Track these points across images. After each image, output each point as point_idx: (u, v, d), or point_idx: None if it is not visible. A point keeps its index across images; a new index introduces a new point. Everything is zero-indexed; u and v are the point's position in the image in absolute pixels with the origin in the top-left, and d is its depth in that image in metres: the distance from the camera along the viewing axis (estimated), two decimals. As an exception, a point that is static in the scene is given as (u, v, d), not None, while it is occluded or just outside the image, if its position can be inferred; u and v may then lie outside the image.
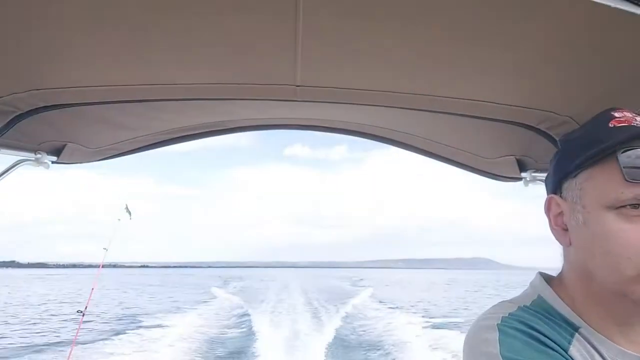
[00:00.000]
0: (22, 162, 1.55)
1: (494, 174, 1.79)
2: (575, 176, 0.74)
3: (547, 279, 0.82)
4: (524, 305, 0.77)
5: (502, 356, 0.67)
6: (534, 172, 1.65)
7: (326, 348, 11.79)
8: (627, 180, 0.66)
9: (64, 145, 1.63)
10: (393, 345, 12.07)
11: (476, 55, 1.09)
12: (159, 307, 23.68)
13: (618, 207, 0.68)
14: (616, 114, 0.73)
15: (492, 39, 1.01)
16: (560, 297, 0.77)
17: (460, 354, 0.76)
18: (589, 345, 0.72)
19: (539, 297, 0.79)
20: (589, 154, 0.71)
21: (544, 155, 1.58)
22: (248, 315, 16.95)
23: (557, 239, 0.79)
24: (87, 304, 5.20)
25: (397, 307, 21.17)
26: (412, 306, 23.26)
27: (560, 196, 0.77)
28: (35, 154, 1.55)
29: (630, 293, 0.69)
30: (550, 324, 0.73)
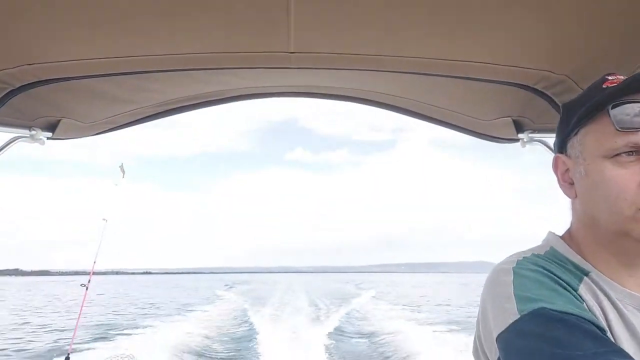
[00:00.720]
0: (17, 139, 1.54)
1: (490, 136, 1.79)
2: (576, 134, 0.81)
3: (558, 235, 0.88)
4: (537, 254, 0.83)
5: (515, 295, 0.72)
6: (531, 132, 1.65)
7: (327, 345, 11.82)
8: (618, 130, 0.73)
9: (59, 121, 1.62)
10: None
11: (470, 16, 1.09)
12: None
13: (614, 156, 0.74)
14: (610, 77, 0.79)
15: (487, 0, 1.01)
16: (570, 247, 0.83)
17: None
18: (596, 288, 0.77)
19: (551, 248, 0.85)
20: (583, 111, 0.78)
21: (540, 116, 1.58)
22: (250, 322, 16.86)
23: (565, 193, 0.85)
24: (90, 277, 5.17)
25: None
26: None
27: (566, 154, 0.84)
28: (30, 130, 1.54)
29: (630, 230, 0.74)
30: (561, 269, 0.78)
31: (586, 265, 0.80)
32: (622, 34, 1.08)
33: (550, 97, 1.40)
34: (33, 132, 1.55)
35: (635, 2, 0.94)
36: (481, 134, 1.80)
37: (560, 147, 0.86)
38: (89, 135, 1.79)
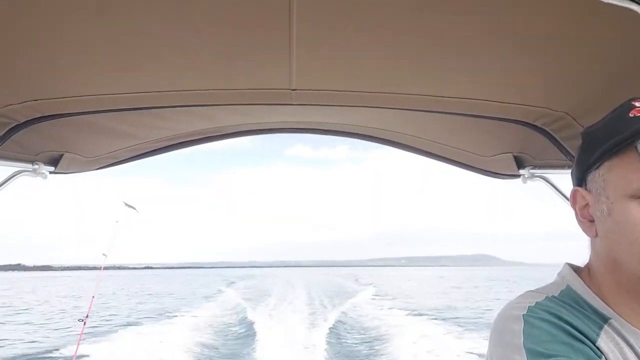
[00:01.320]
0: (19, 172, 1.55)
1: (492, 172, 1.79)
2: (597, 167, 0.74)
3: (575, 269, 0.82)
4: (552, 296, 0.77)
5: (525, 348, 0.66)
6: (532, 168, 1.65)
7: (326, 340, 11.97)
8: None
9: (62, 155, 1.63)
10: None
11: (470, 55, 1.09)
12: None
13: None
14: (637, 104, 0.72)
15: (485, 38, 1.01)
16: (589, 288, 0.77)
17: None
18: (618, 337, 0.71)
19: (568, 287, 0.78)
20: (608, 145, 0.71)
21: (541, 152, 1.58)
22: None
23: (584, 231, 0.79)
24: (89, 312, 5.15)
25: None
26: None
27: (585, 188, 0.77)
28: (32, 165, 1.55)
29: None
30: (579, 315, 0.72)
31: (607, 311, 0.73)
32: (620, 69, 1.08)
33: (550, 134, 1.40)
34: (36, 167, 1.56)
35: (632, 38, 0.93)
36: (482, 170, 1.80)
37: (579, 180, 0.79)
38: (91, 170, 1.80)
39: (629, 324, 0.72)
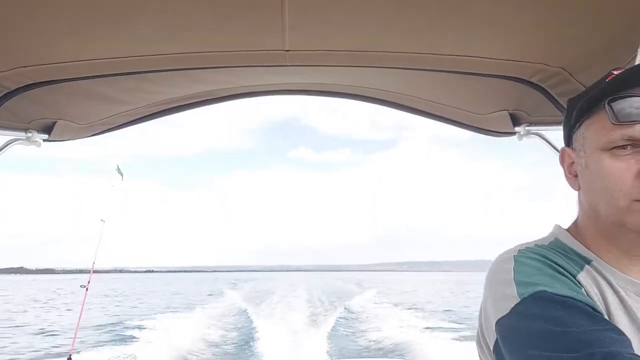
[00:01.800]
0: (13, 141, 1.54)
1: (487, 129, 1.78)
2: (578, 127, 0.83)
3: (564, 228, 0.90)
4: (541, 245, 0.85)
5: (515, 281, 0.74)
6: (528, 125, 1.65)
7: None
8: (613, 123, 0.75)
9: (55, 123, 1.62)
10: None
11: (465, 11, 1.09)
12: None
13: (610, 149, 0.76)
14: (615, 72, 0.79)
15: None
16: (575, 238, 0.85)
17: None
18: (597, 275, 0.79)
19: (556, 239, 0.87)
20: (583, 105, 0.81)
21: (537, 108, 1.58)
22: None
23: (570, 186, 0.87)
24: (90, 278, 5.12)
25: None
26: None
27: (571, 147, 0.86)
28: (25, 133, 1.54)
29: (626, 222, 0.76)
30: (564, 258, 0.80)
31: (589, 254, 0.82)
32: (617, 25, 1.08)
33: (546, 90, 1.40)
34: (29, 135, 1.55)
35: None
36: (478, 127, 1.80)
37: (567, 141, 0.88)
38: (85, 137, 1.79)
39: (607, 264, 0.80)
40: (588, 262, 0.81)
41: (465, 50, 1.28)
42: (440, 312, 20.86)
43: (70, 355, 4.84)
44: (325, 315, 16.25)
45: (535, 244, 0.85)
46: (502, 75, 1.39)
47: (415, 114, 1.79)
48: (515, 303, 0.71)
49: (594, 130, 0.79)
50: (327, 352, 10.90)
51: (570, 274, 0.77)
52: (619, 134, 0.75)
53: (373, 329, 14.14)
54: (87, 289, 5.14)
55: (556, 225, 0.91)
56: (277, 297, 25.05)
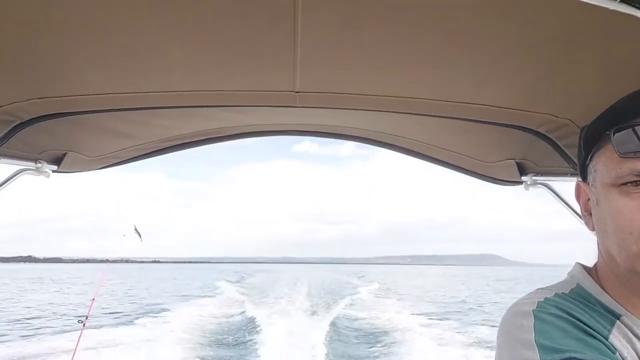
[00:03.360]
0: (22, 171, 1.55)
1: (494, 178, 1.77)
2: (590, 160, 0.76)
3: (586, 269, 0.80)
4: (561, 293, 0.75)
5: (537, 344, 0.64)
6: (534, 175, 1.64)
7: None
8: (620, 156, 0.68)
9: (65, 154, 1.63)
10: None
11: (475, 59, 1.08)
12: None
13: (620, 185, 0.68)
14: None
15: (491, 42, 1.00)
16: (598, 285, 0.75)
17: None
18: (630, 334, 0.69)
19: (578, 285, 0.77)
20: (590, 134, 0.75)
21: (544, 159, 1.57)
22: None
23: (585, 225, 0.78)
24: (89, 312, 5.15)
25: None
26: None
27: (586, 182, 0.79)
28: (35, 163, 1.55)
29: (638, 268, 0.67)
30: (590, 312, 0.71)
31: (616, 307, 0.72)
32: (627, 79, 1.07)
33: (554, 141, 1.38)
34: (39, 165, 1.56)
35: (639, 46, 0.92)
36: (484, 176, 1.79)
37: (582, 174, 0.81)
38: (94, 169, 1.80)
39: (637, 319, 0.70)
40: (617, 316, 0.71)
41: (473, 98, 1.28)
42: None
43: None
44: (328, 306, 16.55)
45: (555, 293, 0.75)
46: (510, 125, 1.37)
47: (423, 159, 1.78)
48: None
49: (603, 164, 0.72)
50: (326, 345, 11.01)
51: (602, 335, 0.67)
52: (627, 168, 0.67)
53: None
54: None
55: (577, 264, 0.81)
56: (280, 290, 25.29)
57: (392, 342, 11.39)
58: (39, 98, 1.26)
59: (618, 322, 0.70)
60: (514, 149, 1.60)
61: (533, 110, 1.30)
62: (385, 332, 12.73)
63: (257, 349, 10.75)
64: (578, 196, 0.80)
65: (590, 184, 0.75)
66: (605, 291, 0.74)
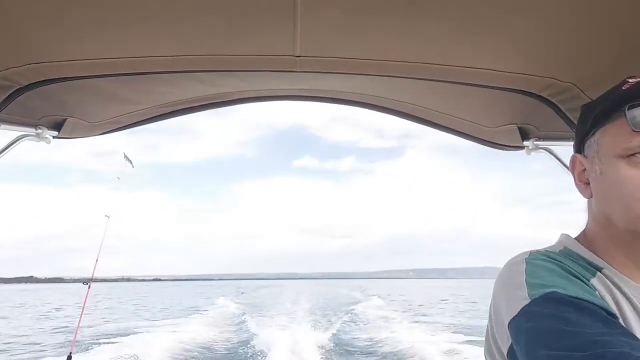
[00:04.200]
0: (23, 137, 1.55)
1: (495, 143, 1.77)
2: (593, 134, 0.82)
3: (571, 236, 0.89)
4: (550, 251, 0.84)
5: (527, 282, 0.73)
6: (536, 140, 1.64)
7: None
8: (634, 130, 0.74)
9: (65, 120, 1.63)
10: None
11: (476, 23, 1.08)
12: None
13: (628, 156, 0.75)
14: (631, 80, 0.79)
15: (493, 5, 1.01)
16: (584, 246, 0.84)
17: None
18: (609, 282, 0.78)
19: (565, 247, 0.86)
20: (600, 112, 0.80)
21: (546, 123, 1.57)
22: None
23: (580, 193, 0.87)
24: (92, 274, 5.08)
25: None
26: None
27: (583, 154, 0.86)
28: (36, 129, 1.55)
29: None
30: (574, 264, 0.79)
31: (599, 262, 0.81)
32: (629, 41, 1.07)
33: (556, 105, 1.38)
34: (39, 131, 1.56)
35: None
36: (486, 140, 1.79)
37: (578, 148, 0.88)
38: (94, 135, 1.79)
39: (618, 273, 0.79)
40: (599, 269, 0.80)
41: (476, 62, 1.27)
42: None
43: (70, 354, 4.78)
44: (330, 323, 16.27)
45: (546, 250, 0.84)
46: (512, 89, 1.37)
47: (424, 124, 1.78)
48: (526, 303, 0.70)
49: (611, 138, 0.78)
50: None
51: (585, 278, 0.76)
52: (638, 141, 0.74)
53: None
54: (89, 287, 5.06)
55: (563, 234, 0.90)
56: (281, 306, 24.97)
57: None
58: (37, 63, 1.25)
59: (599, 273, 0.79)
60: (515, 114, 1.59)
61: (536, 74, 1.30)
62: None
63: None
64: (573, 167, 0.88)
65: (591, 156, 0.82)
66: (589, 250, 0.83)
